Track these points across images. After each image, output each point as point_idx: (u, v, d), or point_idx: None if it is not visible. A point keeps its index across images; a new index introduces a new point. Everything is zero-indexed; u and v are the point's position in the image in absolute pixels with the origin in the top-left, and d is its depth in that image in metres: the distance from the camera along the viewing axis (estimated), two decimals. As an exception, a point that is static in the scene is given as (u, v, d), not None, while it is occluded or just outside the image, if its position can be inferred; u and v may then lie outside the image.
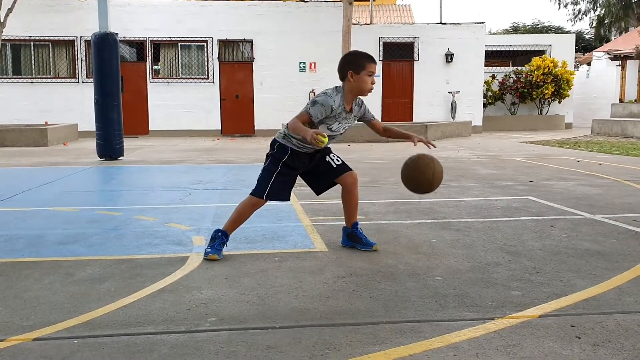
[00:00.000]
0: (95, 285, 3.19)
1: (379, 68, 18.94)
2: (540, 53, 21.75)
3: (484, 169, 8.70)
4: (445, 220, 4.95)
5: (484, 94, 20.37)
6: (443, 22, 19.72)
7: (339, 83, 3.72)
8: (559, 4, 36.12)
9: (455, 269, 3.48)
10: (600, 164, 9.30)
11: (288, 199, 3.84)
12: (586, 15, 36.09)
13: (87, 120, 15.99)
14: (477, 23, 19.35)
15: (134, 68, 18.12)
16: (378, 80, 18.91)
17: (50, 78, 17.94)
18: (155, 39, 18.10)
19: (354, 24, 17.79)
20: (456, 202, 5.87)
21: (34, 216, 5.26)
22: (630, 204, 5.66)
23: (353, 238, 3.97)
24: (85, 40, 17.48)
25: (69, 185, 7.40)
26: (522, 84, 20.76)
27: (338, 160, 3.85)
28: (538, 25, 36.82)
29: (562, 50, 21.50)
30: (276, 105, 17.96)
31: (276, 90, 18.21)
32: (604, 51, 23.21)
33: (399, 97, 19.33)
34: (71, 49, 17.99)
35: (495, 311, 2.76)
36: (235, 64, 18.53)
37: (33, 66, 17.94)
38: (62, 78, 17.99)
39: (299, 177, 3.87)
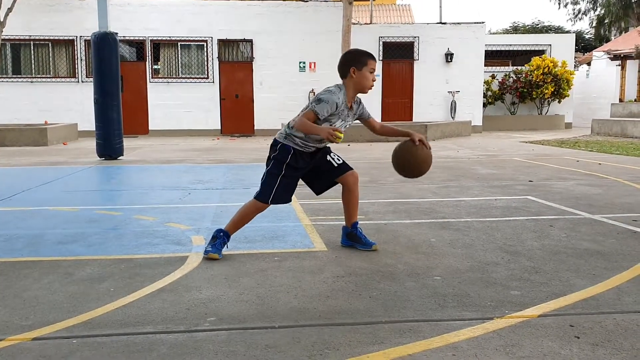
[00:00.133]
0: (94, 285, 3.20)
1: (378, 68, 18.93)
2: (540, 53, 21.75)
3: (484, 169, 8.70)
4: (444, 220, 4.95)
5: (484, 93, 20.37)
6: (443, 21, 19.73)
7: (336, 82, 3.75)
8: (559, 4, 36.13)
9: (454, 268, 3.48)
10: (599, 163, 9.31)
11: (290, 201, 3.84)
12: (586, 15, 36.10)
13: (87, 120, 16.01)
14: (477, 23, 19.35)
15: (133, 68, 18.12)
16: (378, 80, 18.90)
17: (50, 78, 17.94)
18: (155, 38, 18.10)
19: (354, 24, 17.80)
20: (456, 201, 5.87)
21: (33, 216, 5.26)
22: (629, 203, 5.66)
23: (353, 238, 3.97)
24: (85, 40, 17.48)
25: (69, 184, 7.40)
26: (522, 83, 20.76)
27: (339, 160, 3.86)
28: (538, 25, 36.82)
29: (562, 50, 21.50)
30: (276, 105, 17.97)
31: (276, 90, 18.22)
32: (603, 51, 23.22)
33: (399, 97, 19.33)
34: (71, 48, 17.99)
35: (494, 311, 2.77)
36: (235, 63, 18.53)
37: (33, 66, 17.94)
38: (61, 77, 17.99)
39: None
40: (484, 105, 20.46)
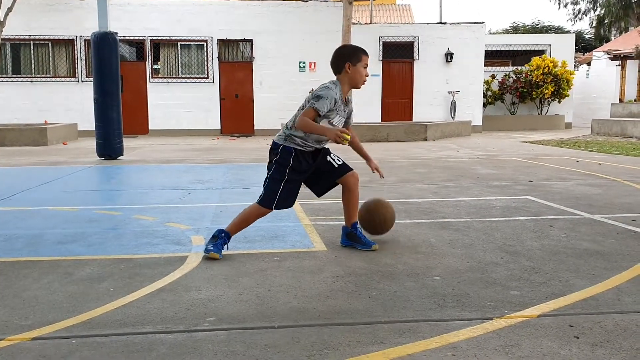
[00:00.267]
0: (94, 285, 3.19)
1: (379, 68, 18.96)
2: (540, 53, 21.75)
3: (484, 169, 8.70)
4: (444, 220, 4.95)
5: (484, 93, 20.38)
6: (443, 21, 19.73)
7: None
8: (559, 4, 36.12)
9: (454, 268, 3.48)
10: (599, 163, 9.31)
11: (292, 205, 3.82)
12: (586, 15, 36.10)
13: (87, 120, 16.01)
14: (477, 23, 19.36)
15: (133, 67, 18.12)
16: (378, 79, 19.01)
17: (49, 77, 17.94)
18: (155, 38, 18.10)
19: (354, 24, 17.79)
20: (455, 201, 5.87)
21: (33, 215, 5.26)
22: (629, 203, 5.66)
23: (352, 238, 3.97)
24: (85, 40, 17.48)
25: (68, 184, 7.40)
26: (522, 83, 20.76)
27: (339, 161, 3.85)
28: (538, 25, 36.82)
29: (562, 50, 21.50)
30: (276, 105, 17.97)
31: (276, 89, 18.22)
32: (603, 51, 23.21)
33: (399, 97, 19.33)
34: (71, 48, 17.99)
35: (493, 311, 2.76)
36: (235, 63, 18.54)
37: (33, 65, 17.94)
38: (61, 77, 17.99)
39: None
40: (484, 105, 20.47)
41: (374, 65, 18.91)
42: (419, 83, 19.21)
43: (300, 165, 3.67)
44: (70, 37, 17.83)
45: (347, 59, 3.67)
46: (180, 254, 3.83)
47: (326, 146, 3.86)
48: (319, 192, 3.93)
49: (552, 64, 20.58)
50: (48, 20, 17.59)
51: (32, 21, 17.50)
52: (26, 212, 5.42)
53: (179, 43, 18.22)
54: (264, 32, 18.16)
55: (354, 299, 2.95)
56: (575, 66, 23.21)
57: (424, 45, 19.06)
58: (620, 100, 21.78)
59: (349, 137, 3.44)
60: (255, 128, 18.50)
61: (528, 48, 22.04)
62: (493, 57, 21.90)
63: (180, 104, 18.21)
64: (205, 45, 18.28)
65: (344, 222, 4.03)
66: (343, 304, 2.88)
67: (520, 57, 22.82)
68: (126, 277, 3.33)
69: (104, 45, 10.12)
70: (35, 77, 17.89)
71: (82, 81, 17.87)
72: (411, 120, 19.02)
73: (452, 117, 19.08)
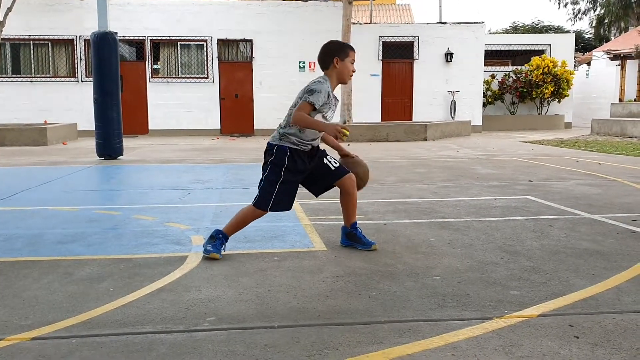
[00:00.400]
0: (93, 285, 3.19)
1: (378, 67, 18.97)
2: (540, 53, 21.75)
3: (484, 169, 8.70)
4: (444, 219, 4.95)
5: (484, 93, 20.37)
6: (443, 21, 19.73)
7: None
8: (559, 4, 36.12)
9: (454, 268, 3.48)
10: (599, 163, 9.31)
11: (290, 208, 3.78)
12: (586, 15, 36.10)
13: (87, 120, 16.01)
14: (477, 23, 19.35)
15: (133, 67, 18.11)
16: (378, 79, 19.01)
17: (49, 77, 17.93)
18: (154, 38, 18.09)
19: (354, 24, 17.79)
20: (455, 201, 5.87)
21: (33, 215, 5.25)
22: (629, 203, 5.66)
23: (352, 238, 3.97)
24: (85, 40, 17.47)
25: (68, 184, 7.40)
26: (522, 83, 20.76)
27: (336, 163, 3.82)
28: (538, 24, 36.82)
29: (561, 50, 21.50)
30: (276, 105, 17.95)
31: (276, 89, 18.21)
32: (603, 51, 23.21)
33: (399, 97, 19.33)
34: (70, 48, 17.99)
35: (493, 311, 2.77)
36: (235, 63, 18.53)
37: (32, 65, 17.93)
38: (61, 77, 17.98)
39: None
40: (484, 105, 20.46)
41: (374, 65, 18.92)
42: (419, 83, 19.20)
43: (295, 165, 3.64)
44: (70, 37, 17.82)
45: (335, 54, 3.69)
46: (180, 254, 3.83)
47: (321, 147, 3.85)
48: (317, 193, 3.91)
49: (551, 63, 20.57)
50: (48, 20, 17.59)
51: (31, 21, 17.49)
52: (26, 212, 5.42)
53: (178, 43, 18.22)
54: (263, 32, 18.16)
55: (353, 299, 2.95)
56: (575, 66, 23.21)
57: (423, 45, 19.06)
58: (620, 100, 21.78)
59: (347, 133, 3.42)
60: (255, 128, 18.50)
61: (528, 48, 22.03)
62: (493, 57, 21.89)
63: (180, 103, 18.21)
64: (205, 45, 18.28)
65: (343, 222, 4.03)
66: (343, 304, 2.88)
67: (520, 57, 22.82)
68: (126, 277, 3.33)
69: (103, 45, 10.12)
70: (35, 77, 17.88)
71: (82, 81, 17.86)
72: (411, 120, 19.01)
73: (452, 117, 19.07)
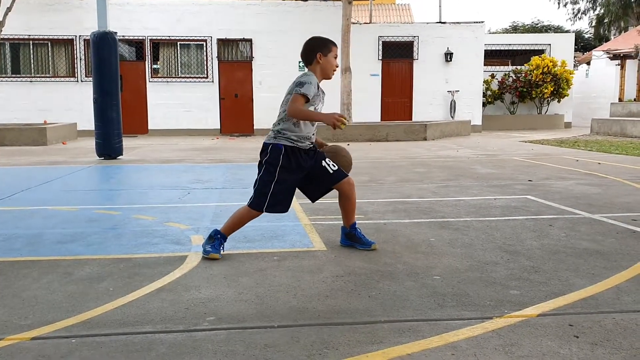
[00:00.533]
0: (93, 285, 3.19)
1: (378, 67, 18.97)
2: (540, 52, 21.75)
3: (483, 168, 8.70)
4: (444, 219, 4.95)
5: (484, 93, 20.38)
6: (442, 21, 19.73)
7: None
8: (559, 3, 36.13)
9: (453, 268, 3.48)
10: (599, 163, 9.31)
11: (287, 211, 3.74)
12: (585, 15, 36.13)
13: (86, 119, 16.00)
14: (477, 22, 19.36)
15: (133, 67, 18.11)
16: (377, 79, 19.02)
17: (49, 77, 17.93)
18: (154, 38, 18.09)
19: (353, 23, 17.79)
20: (455, 201, 5.87)
21: (32, 215, 5.25)
22: (629, 203, 5.66)
23: (352, 238, 3.96)
24: (85, 39, 17.47)
25: (68, 184, 7.40)
26: (522, 83, 20.77)
27: (334, 166, 3.78)
28: (537, 24, 36.84)
29: (561, 50, 21.51)
30: (275, 105, 17.69)
31: (275, 89, 18.19)
32: (603, 50, 23.21)
33: (399, 97, 19.33)
34: (70, 48, 17.98)
35: (493, 310, 2.76)
36: (235, 63, 18.53)
37: (32, 65, 17.93)
38: (61, 77, 17.99)
39: None
40: (484, 104, 20.47)
41: (374, 65, 18.93)
42: (419, 83, 19.21)
43: (290, 164, 3.60)
44: (70, 37, 17.82)
45: (317, 49, 3.69)
46: (180, 254, 3.83)
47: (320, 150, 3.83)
48: (314, 197, 3.86)
49: (551, 63, 20.58)
50: (47, 20, 17.59)
51: (31, 21, 17.49)
52: (26, 212, 5.42)
53: (178, 43, 18.22)
54: (263, 32, 18.16)
55: (353, 299, 2.95)
56: (574, 66, 23.21)
57: (423, 44, 19.06)
58: (620, 100, 21.78)
59: (346, 122, 3.41)
60: (254, 128, 18.50)
61: (527, 47, 22.04)
62: (492, 56, 21.90)
63: (179, 103, 18.21)
64: (204, 44, 18.28)
65: (342, 223, 4.03)
66: (342, 304, 2.88)
67: (519, 56, 22.83)
68: (126, 277, 3.33)
69: (103, 45, 10.12)
70: (34, 76, 17.88)
71: (82, 81, 17.86)
72: (411, 119, 19.02)
73: (452, 117, 19.07)
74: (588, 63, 24.72)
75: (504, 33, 33.56)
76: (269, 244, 4.11)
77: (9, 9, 15.22)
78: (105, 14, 10.40)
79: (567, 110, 21.77)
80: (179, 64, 18.39)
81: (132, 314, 2.74)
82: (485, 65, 19.94)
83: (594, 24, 34.99)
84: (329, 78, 3.79)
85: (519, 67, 21.35)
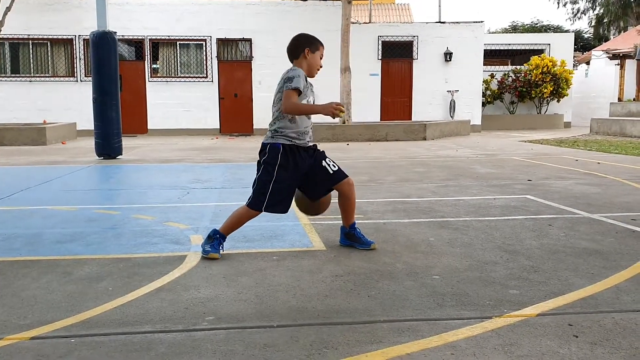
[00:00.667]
0: (92, 284, 3.19)
1: (378, 67, 18.97)
2: (539, 52, 21.75)
3: (483, 168, 8.70)
4: (443, 219, 4.95)
5: (483, 93, 20.38)
6: (442, 21, 19.72)
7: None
8: (558, 3, 36.16)
9: (453, 267, 3.48)
10: (598, 163, 9.31)
11: (286, 211, 3.73)
12: (585, 15, 36.15)
13: (86, 119, 16.00)
14: (476, 22, 19.36)
15: (132, 67, 18.10)
16: (377, 79, 19.01)
17: (48, 77, 17.93)
18: (154, 37, 18.08)
19: (353, 23, 17.78)
20: (455, 201, 5.87)
21: (32, 215, 5.25)
22: (628, 202, 5.66)
23: (351, 237, 3.96)
24: (84, 39, 17.46)
25: (67, 184, 7.40)
26: (521, 83, 20.77)
27: (334, 167, 3.78)
28: (537, 24, 36.85)
29: (561, 49, 21.51)
30: (275, 104, 17.95)
31: (275, 89, 18.18)
32: (602, 50, 23.23)
33: (398, 96, 19.33)
34: (70, 47, 17.97)
35: (493, 310, 2.76)
36: (234, 62, 18.53)
37: (31, 65, 17.92)
38: (60, 77, 17.98)
39: None
40: (483, 104, 20.47)
41: (373, 65, 18.92)
42: (418, 82, 19.21)
43: (288, 163, 3.59)
44: (69, 37, 17.81)
45: (306, 45, 3.70)
46: (179, 253, 3.83)
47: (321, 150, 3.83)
48: (314, 197, 3.84)
49: (551, 63, 20.58)
50: (47, 20, 17.57)
51: (30, 20, 17.48)
52: (25, 212, 5.41)
53: (178, 42, 18.21)
54: (263, 32, 18.15)
55: (353, 298, 2.95)
56: (574, 65, 23.23)
57: (423, 44, 19.06)
58: (619, 100, 21.79)
59: (344, 110, 3.41)
60: (254, 127, 18.49)
61: (527, 47, 22.04)
62: (492, 56, 21.90)
63: (179, 103, 18.20)
64: (204, 44, 18.27)
65: (342, 223, 4.02)
66: (342, 303, 2.88)
67: (519, 56, 22.83)
68: (125, 277, 3.33)
69: (102, 44, 10.11)
70: (34, 76, 17.87)
71: (81, 81, 17.85)
72: (410, 119, 19.02)
73: (451, 117, 19.07)
74: (587, 63, 24.73)
75: (503, 33, 33.56)
76: (269, 243, 4.11)
77: (8, 9, 15.21)
78: (105, 14, 10.39)
79: (566, 110, 21.77)
80: (179, 64, 18.38)
81: (132, 313, 2.74)
82: (484, 65, 19.94)
83: (593, 23, 35.02)
84: (312, 76, 3.78)
85: (518, 67, 21.36)
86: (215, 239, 3.72)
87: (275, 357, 2.27)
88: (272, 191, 3.60)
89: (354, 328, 2.56)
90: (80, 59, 17.88)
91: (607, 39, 31.26)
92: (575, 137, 15.96)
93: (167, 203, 5.84)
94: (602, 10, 33.62)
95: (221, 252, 3.73)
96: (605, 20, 33.33)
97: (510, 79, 21.04)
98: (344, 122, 15.51)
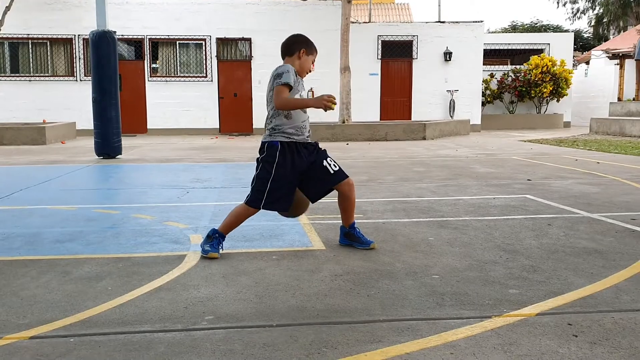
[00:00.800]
0: (92, 284, 3.19)
1: (377, 67, 18.97)
2: (539, 52, 21.76)
3: (482, 168, 8.70)
4: (443, 218, 4.94)
5: (483, 92, 20.38)
6: (441, 20, 19.72)
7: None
8: (558, 3, 36.14)
9: (452, 267, 3.48)
10: (598, 162, 9.31)
11: (286, 209, 3.73)
12: (585, 14, 36.12)
13: (85, 119, 16.00)
14: (476, 22, 19.36)
15: (132, 66, 18.10)
16: (377, 78, 19.01)
17: (48, 76, 17.92)
18: (153, 37, 18.08)
19: (353, 23, 17.78)
20: (454, 200, 5.87)
21: (31, 214, 5.25)
22: (628, 202, 5.66)
23: (350, 237, 3.96)
24: (84, 39, 17.46)
25: (67, 183, 7.40)
26: (521, 82, 20.77)
27: (335, 166, 3.77)
28: (537, 24, 36.84)
29: (560, 49, 21.51)
30: (275, 104, 17.94)
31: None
32: (602, 50, 23.23)
33: (398, 96, 19.33)
34: (69, 47, 17.97)
35: (492, 309, 2.76)
36: (234, 62, 18.52)
37: (31, 64, 17.92)
38: (60, 76, 17.97)
39: None
40: (483, 104, 20.47)
41: (373, 64, 18.92)
42: (418, 82, 19.21)
43: (286, 161, 3.59)
44: (69, 36, 17.81)
45: (304, 45, 3.72)
46: (179, 253, 3.83)
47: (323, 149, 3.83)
48: (314, 198, 3.83)
49: (550, 62, 20.59)
50: (46, 19, 17.57)
51: (30, 20, 17.47)
52: (24, 211, 5.41)
53: (177, 42, 18.21)
54: (262, 31, 18.15)
55: (352, 298, 2.95)
56: (573, 65, 23.23)
57: (422, 44, 19.06)
58: (619, 99, 21.80)
59: (336, 101, 3.44)
60: (253, 127, 18.49)
61: (527, 47, 22.05)
62: (492, 56, 21.90)
63: (178, 102, 18.20)
64: (203, 44, 18.27)
65: (342, 223, 4.02)
66: (341, 303, 2.87)
67: (519, 56, 22.83)
68: (124, 276, 3.33)
69: (102, 44, 10.11)
70: (33, 76, 17.86)
71: (81, 80, 17.85)
72: (410, 119, 19.02)
73: (451, 116, 19.07)
74: (587, 62, 24.73)
75: (503, 32, 33.56)
76: (268, 243, 4.10)
77: (7, 8, 15.21)
78: (105, 13, 10.39)
79: (566, 110, 21.77)
80: (178, 63, 18.38)
81: (131, 313, 2.74)
82: (484, 64, 19.94)
83: (593, 23, 35.01)
84: (302, 77, 3.78)
85: (518, 67, 21.35)
86: (215, 238, 3.71)
87: (274, 356, 2.27)
88: (270, 189, 3.61)
89: (354, 327, 2.56)
90: (79, 58, 17.88)
91: (606, 39, 31.26)
92: (574, 137, 15.97)
93: (166, 202, 5.84)
94: (601, 10, 33.62)
95: (220, 251, 3.73)
96: (604, 20, 33.33)
97: (509, 78, 21.05)
98: (343, 122, 15.51)
